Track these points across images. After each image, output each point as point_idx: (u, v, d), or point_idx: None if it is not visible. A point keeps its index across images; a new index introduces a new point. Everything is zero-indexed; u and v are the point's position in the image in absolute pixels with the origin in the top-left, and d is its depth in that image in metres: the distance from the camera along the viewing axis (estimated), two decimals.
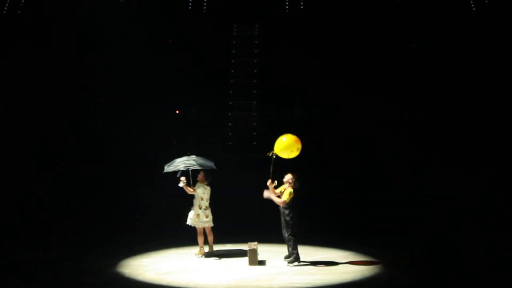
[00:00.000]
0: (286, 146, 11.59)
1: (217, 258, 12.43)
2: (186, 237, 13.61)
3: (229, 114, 20.25)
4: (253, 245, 11.94)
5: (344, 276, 10.75)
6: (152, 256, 12.74)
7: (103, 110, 18.92)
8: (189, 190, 12.43)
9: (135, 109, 19.27)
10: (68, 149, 18.43)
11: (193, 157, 12.54)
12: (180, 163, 12.37)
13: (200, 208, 12.53)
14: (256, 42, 21.45)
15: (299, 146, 11.62)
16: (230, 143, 19.77)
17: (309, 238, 13.92)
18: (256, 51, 21.29)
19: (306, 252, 12.59)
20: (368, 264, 11.71)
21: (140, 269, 11.51)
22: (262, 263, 11.87)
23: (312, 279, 10.55)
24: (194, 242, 13.33)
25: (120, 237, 15.00)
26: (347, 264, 11.77)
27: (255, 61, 21.12)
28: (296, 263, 11.70)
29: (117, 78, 19.04)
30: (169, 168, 12.44)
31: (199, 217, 12.54)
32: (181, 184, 12.31)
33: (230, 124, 20.14)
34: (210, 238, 12.74)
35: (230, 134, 19.97)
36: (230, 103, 20.41)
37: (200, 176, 12.65)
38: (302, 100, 20.17)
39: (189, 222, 12.59)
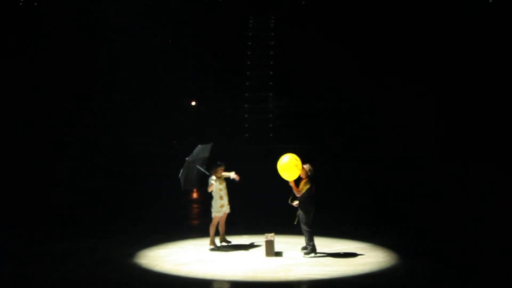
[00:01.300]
0: (287, 167, 11.66)
1: (234, 250, 12.45)
2: (202, 228, 13.65)
3: (245, 106, 20.25)
4: (270, 236, 11.94)
5: (361, 268, 10.73)
6: (169, 247, 12.78)
7: (118, 104, 18.99)
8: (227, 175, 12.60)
9: (150, 102, 19.33)
10: (85, 141, 18.54)
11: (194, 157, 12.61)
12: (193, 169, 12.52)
13: (222, 199, 12.55)
14: (272, 34, 21.41)
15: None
16: (246, 135, 19.80)
17: (326, 229, 13.91)
18: (272, 43, 21.25)
19: (323, 244, 12.58)
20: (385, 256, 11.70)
21: (157, 260, 11.55)
22: (279, 254, 11.87)
23: (328, 271, 10.54)
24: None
25: (137, 228, 15.07)
26: (364, 256, 11.74)
27: (271, 52, 21.08)
28: (312, 255, 11.69)
29: (132, 70, 19.08)
30: (186, 184, 12.61)
31: (222, 207, 12.57)
32: (232, 176, 12.49)
33: (246, 115, 20.15)
34: (224, 227, 12.82)
35: (246, 125, 19.99)
36: (246, 94, 20.41)
37: (221, 170, 12.62)
38: (318, 91, 20.12)
39: (217, 214, 12.65)
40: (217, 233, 12.77)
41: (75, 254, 12.15)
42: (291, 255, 11.82)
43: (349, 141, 18.74)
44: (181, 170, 12.47)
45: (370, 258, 11.57)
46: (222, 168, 12.66)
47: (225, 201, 12.64)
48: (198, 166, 12.59)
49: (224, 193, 12.62)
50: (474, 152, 17.55)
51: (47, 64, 19.20)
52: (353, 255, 11.85)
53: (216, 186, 12.55)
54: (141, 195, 17.88)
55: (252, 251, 12.29)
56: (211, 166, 12.62)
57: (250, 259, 11.56)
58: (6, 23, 19.33)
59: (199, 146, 12.63)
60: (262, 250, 11.96)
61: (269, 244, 11.77)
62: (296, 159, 11.57)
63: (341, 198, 16.94)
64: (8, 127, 18.09)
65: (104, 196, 17.68)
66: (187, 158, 12.54)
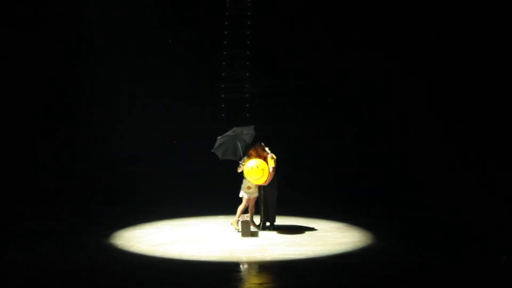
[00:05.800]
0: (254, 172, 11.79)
1: (210, 230, 12.47)
2: (178, 208, 13.62)
3: (222, 86, 20.17)
4: (245, 216, 11.97)
5: (337, 247, 10.79)
6: (145, 228, 12.75)
7: (100, 90, 18.73)
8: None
9: (131, 84, 19.13)
10: (64, 122, 18.34)
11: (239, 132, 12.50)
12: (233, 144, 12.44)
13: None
14: (249, 14, 21.27)
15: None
16: (223, 115, 19.74)
17: (301, 209, 13.97)
18: (249, 22, 21.12)
19: (299, 223, 12.63)
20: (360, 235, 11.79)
21: (133, 240, 11.50)
22: (254, 234, 11.90)
23: (304, 250, 10.58)
24: (187, 214, 13.48)
25: (113, 209, 15.01)
26: (339, 235, 11.82)
27: (248, 32, 20.97)
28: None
29: (112, 52, 18.81)
30: (223, 154, 12.51)
31: (249, 189, 12.40)
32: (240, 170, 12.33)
33: (222, 95, 20.08)
34: (253, 209, 12.65)
35: (222, 105, 19.93)
36: (223, 74, 20.32)
37: (254, 151, 12.35)
38: (296, 71, 20.06)
39: (241, 194, 12.45)
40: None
41: (51, 234, 12.04)
42: (267, 235, 11.85)
43: (332, 121, 18.64)
44: (223, 136, 12.39)
45: (346, 238, 11.65)
46: (255, 150, 12.37)
47: (254, 184, 12.37)
48: (239, 144, 12.42)
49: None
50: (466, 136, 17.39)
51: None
52: (329, 235, 11.92)
53: None
54: (119, 174, 17.77)
55: (228, 231, 12.31)
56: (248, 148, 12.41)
57: (226, 240, 11.57)
58: None
59: (247, 127, 12.54)
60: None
61: (245, 225, 11.79)
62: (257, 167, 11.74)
63: (318, 178, 16.99)
64: None
65: (85, 178, 17.55)
66: (233, 131, 12.39)
